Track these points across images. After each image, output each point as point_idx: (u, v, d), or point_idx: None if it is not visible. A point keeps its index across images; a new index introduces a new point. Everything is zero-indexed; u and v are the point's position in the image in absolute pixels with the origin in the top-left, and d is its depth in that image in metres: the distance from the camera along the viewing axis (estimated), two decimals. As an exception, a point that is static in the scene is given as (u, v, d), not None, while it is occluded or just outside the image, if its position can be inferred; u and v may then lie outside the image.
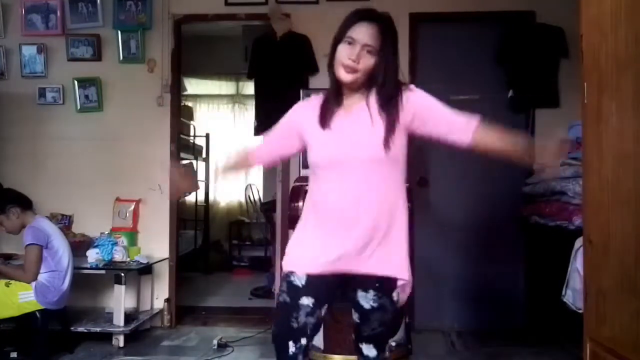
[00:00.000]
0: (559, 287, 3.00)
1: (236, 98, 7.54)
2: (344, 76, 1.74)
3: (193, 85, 7.35)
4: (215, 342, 3.69)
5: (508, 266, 4.16)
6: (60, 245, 3.43)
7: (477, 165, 4.16)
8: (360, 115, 1.78)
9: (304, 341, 1.77)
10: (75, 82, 4.27)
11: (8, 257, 3.72)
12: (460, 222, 4.18)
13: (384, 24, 1.74)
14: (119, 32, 4.27)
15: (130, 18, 4.27)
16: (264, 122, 3.97)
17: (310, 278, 1.76)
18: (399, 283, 1.79)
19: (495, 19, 4.17)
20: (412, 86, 1.81)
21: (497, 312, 4.12)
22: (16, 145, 4.28)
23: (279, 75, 4.11)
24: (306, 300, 1.75)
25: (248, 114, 7.18)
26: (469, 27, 4.26)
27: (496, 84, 4.15)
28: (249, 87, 6.54)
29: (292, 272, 1.79)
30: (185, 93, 6.80)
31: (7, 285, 3.31)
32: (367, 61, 1.72)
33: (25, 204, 3.46)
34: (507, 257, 4.17)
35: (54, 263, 3.38)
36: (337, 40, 1.76)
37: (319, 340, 2.94)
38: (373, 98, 1.78)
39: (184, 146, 5.56)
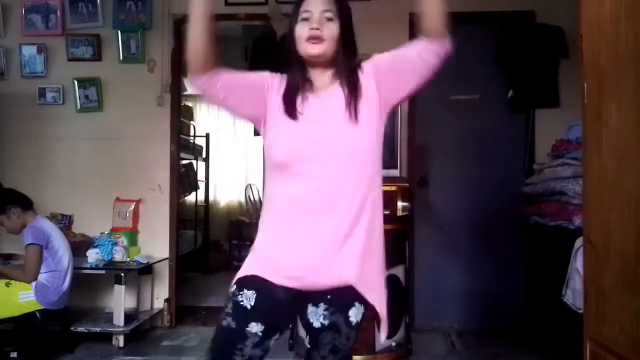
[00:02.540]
0: (559, 287, 3.00)
1: (236, 98, 7.52)
2: (311, 49, 1.54)
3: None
4: (215, 342, 3.69)
5: (508, 266, 4.16)
6: (61, 246, 3.43)
7: (477, 166, 4.18)
8: (335, 100, 1.56)
9: None
10: (75, 82, 4.27)
11: (8, 257, 3.72)
12: (460, 222, 4.18)
13: None
14: (119, 32, 4.27)
15: (130, 18, 4.27)
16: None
17: (261, 297, 1.50)
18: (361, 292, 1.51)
19: (495, 19, 4.17)
20: (365, 62, 1.61)
21: (497, 312, 4.12)
22: (16, 146, 4.28)
23: (279, 76, 4.10)
24: (255, 328, 1.49)
25: (248, 114, 7.17)
26: (469, 27, 4.24)
27: (496, 84, 4.15)
28: (249, 87, 6.53)
29: (240, 288, 1.53)
30: (185, 93, 6.78)
31: (7, 285, 3.31)
32: (331, 27, 1.54)
33: (26, 204, 3.46)
34: (507, 257, 4.17)
35: (54, 263, 3.38)
36: (293, 25, 1.58)
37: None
38: (345, 78, 1.58)
39: (184, 146, 5.56)
